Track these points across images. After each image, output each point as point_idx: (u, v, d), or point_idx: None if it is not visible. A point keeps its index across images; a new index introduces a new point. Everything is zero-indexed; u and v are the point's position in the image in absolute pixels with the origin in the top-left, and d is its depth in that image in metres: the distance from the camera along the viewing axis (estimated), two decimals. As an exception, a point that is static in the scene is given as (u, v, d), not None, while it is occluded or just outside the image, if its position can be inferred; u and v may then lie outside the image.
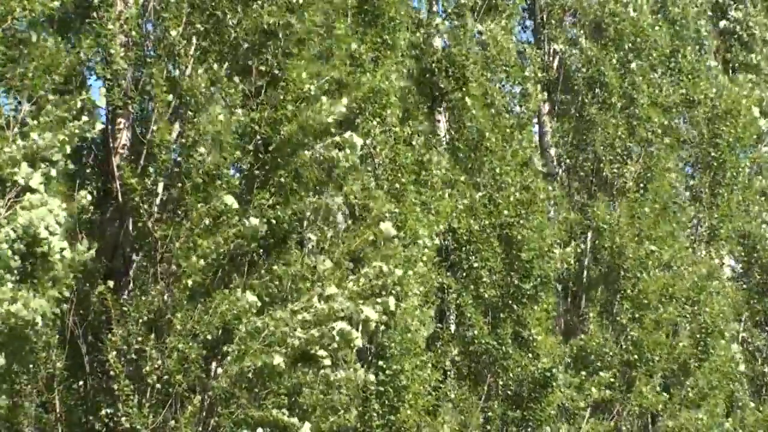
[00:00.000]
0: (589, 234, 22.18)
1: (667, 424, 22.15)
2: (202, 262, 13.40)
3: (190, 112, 13.83)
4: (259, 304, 13.66)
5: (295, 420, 13.62)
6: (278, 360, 13.42)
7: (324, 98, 14.29)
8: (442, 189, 18.05)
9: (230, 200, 13.55)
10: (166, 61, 14.00)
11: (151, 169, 13.85)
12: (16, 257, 11.44)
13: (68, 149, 12.15)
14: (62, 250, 11.75)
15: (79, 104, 12.38)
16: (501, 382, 18.83)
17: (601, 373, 20.81)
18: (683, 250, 23.18)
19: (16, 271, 11.52)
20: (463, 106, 19.26)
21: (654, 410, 21.95)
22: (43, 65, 12.32)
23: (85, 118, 12.15)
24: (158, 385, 13.42)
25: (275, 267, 14.07)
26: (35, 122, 11.99)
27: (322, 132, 14.32)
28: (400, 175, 16.73)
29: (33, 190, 11.66)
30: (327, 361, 13.89)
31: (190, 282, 13.38)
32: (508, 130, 19.63)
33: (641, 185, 22.88)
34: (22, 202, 11.54)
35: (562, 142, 23.31)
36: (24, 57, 12.32)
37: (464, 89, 19.24)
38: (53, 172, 11.93)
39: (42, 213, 11.51)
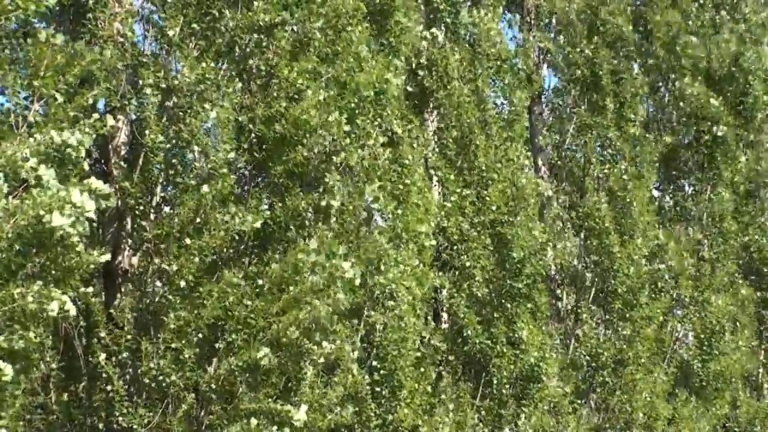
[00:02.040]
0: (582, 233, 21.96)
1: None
2: (196, 260, 13.13)
3: (181, 113, 13.55)
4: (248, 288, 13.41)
5: (289, 407, 13.34)
6: (264, 352, 13.14)
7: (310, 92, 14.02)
8: (428, 186, 17.76)
9: (206, 189, 13.22)
10: (160, 61, 13.72)
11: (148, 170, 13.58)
12: (31, 248, 11.11)
13: (85, 146, 11.86)
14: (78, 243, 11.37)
15: (90, 101, 12.08)
16: (495, 381, 18.57)
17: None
18: (668, 241, 22.90)
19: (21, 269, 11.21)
20: (450, 104, 18.98)
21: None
22: (55, 65, 11.87)
23: (96, 116, 11.81)
24: (153, 385, 13.15)
25: (268, 268, 13.73)
26: (47, 119, 11.63)
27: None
28: (402, 176, 16.46)
29: (43, 187, 11.27)
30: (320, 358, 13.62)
31: (182, 283, 13.10)
32: (496, 127, 19.35)
33: (630, 184, 22.66)
34: (28, 197, 11.12)
35: (552, 143, 23.10)
36: (31, 54, 11.99)
37: (448, 87, 18.95)
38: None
39: (61, 198, 11.08)
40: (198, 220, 13.23)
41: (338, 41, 14.81)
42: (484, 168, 18.99)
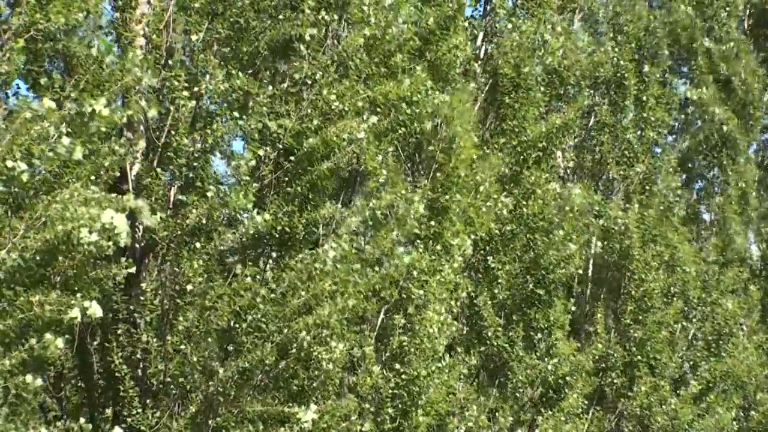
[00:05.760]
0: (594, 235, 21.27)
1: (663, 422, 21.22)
2: (198, 262, 12.63)
3: (209, 118, 13.01)
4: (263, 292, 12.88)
5: (297, 409, 12.85)
6: (268, 349, 12.65)
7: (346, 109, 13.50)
8: (485, 200, 17.22)
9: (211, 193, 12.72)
10: (185, 66, 13.15)
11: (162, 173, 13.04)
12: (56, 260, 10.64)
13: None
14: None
15: (125, 120, 11.61)
16: (510, 385, 18.01)
17: None
18: (687, 249, 22.25)
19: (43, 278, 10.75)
20: (520, 115, 18.40)
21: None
22: (96, 81, 11.62)
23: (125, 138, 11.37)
24: (161, 386, 12.71)
25: (284, 274, 13.17)
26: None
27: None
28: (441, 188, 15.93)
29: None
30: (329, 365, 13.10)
31: (189, 287, 12.61)
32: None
33: (647, 187, 22.05)
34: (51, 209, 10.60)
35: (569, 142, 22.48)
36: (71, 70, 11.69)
37: (520, 105, 18.39)
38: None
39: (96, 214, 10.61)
40: (204, 222, 12.69)
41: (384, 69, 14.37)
42: (530, 179, 18.39)
